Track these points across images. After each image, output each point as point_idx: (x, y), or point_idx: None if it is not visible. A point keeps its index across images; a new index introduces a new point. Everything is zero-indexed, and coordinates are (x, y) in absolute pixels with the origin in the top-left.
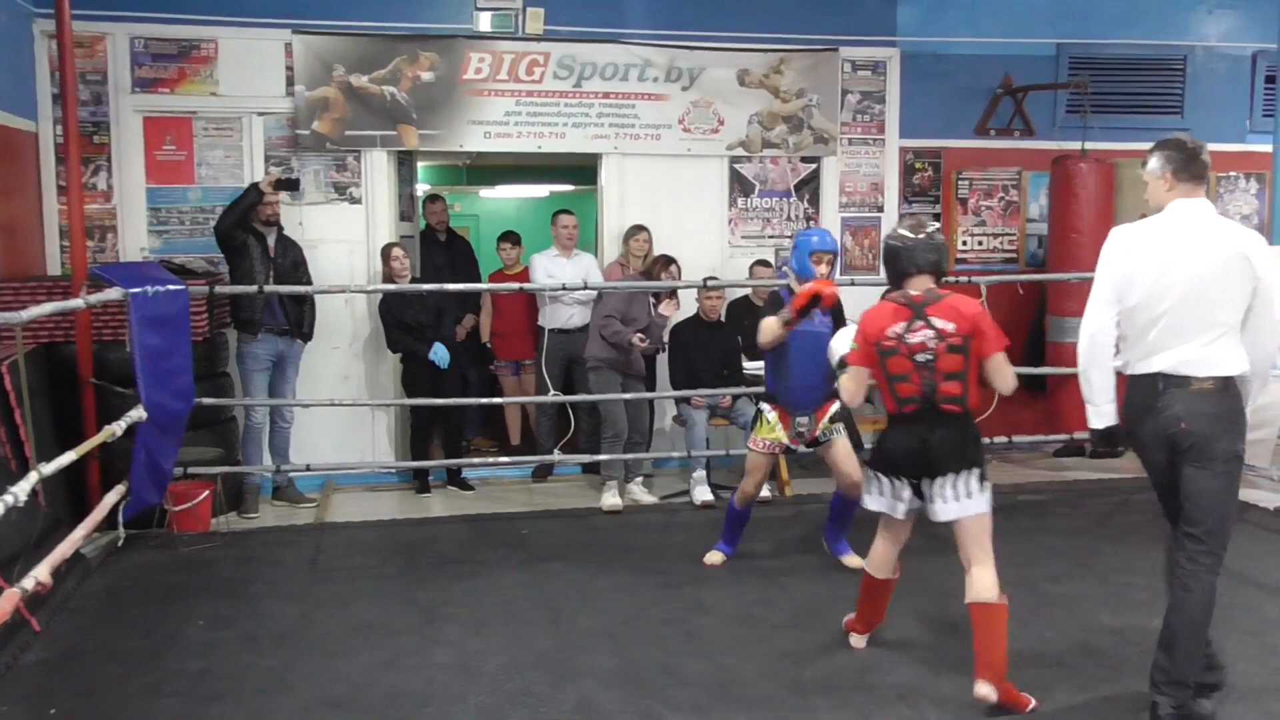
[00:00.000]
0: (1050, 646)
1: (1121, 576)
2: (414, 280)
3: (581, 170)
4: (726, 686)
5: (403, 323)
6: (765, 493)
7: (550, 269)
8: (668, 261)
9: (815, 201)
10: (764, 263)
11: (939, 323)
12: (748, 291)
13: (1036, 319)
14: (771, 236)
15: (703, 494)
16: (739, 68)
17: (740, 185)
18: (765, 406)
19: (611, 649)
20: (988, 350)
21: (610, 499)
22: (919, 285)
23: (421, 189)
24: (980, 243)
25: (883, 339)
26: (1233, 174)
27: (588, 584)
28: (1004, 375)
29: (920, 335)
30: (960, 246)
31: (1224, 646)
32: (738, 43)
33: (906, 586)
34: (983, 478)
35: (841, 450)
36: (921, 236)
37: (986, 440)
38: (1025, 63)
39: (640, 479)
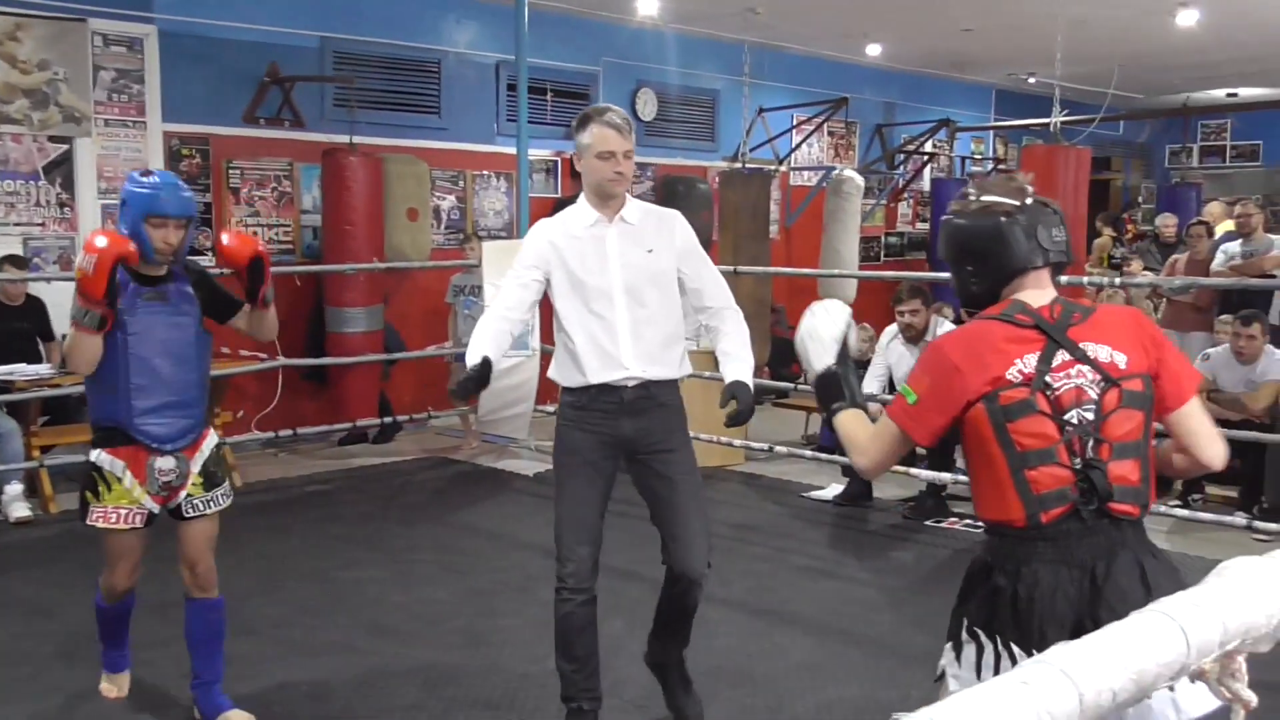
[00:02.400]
0: (341, 633)
1: (407, 554)
2: None
3: None
4: None
5: None
6: (25, 511)
7: None
8: None
9: (70, 186)
10: (14, 259)
11: (1099, 352)
12: None
13: (315, 310)
14: (18, 224)
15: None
16: None
17: None
18: (99, 455)
19: None
20: (1183, 394)
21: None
22: (1039, 290)
23: None
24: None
25: (999, 385)
26: (486, 173)
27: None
28: (1208, 435)
29: (1070, 376)
30: None
31: (498, 604)
32: None
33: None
34: None
35: (207, 531)
36: (1032, 201)
37: (270, 434)
38: (291, 53)
39: None
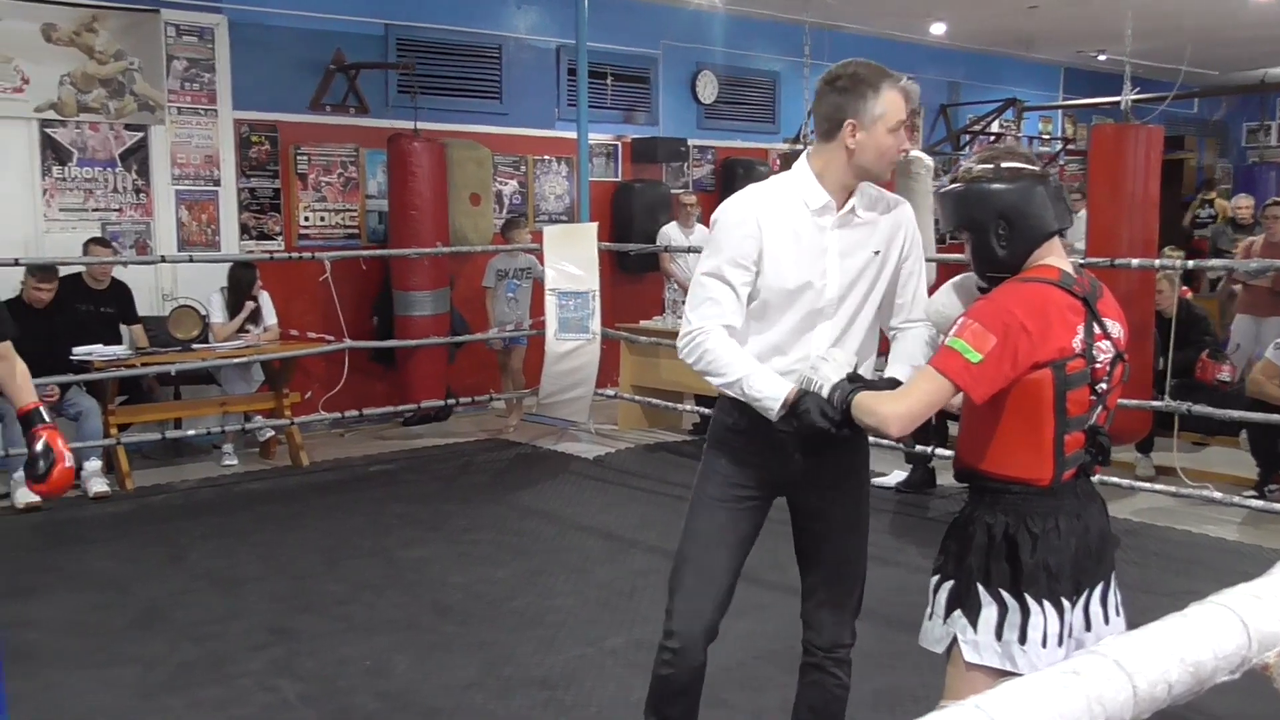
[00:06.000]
0: (402, 611)
1: (468, 534)
2: None
3: None
4: (57, 704)
5: None
6: (103, 487)
7: None
8: None
9: (145, 172)
10: (100, 241)
11: (1113, 328)
12: (80, 269)
13: (382, 294)
14: (96, 210)
15: (26, 495)
16: (44, 22)
17: (55, 152)
18: None
19: None
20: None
21: None
22: (1063, 257)
23: None
24: (322, 218)
25: (1065, 355)
26: (546, 157)
27: None
28: None
29: (1102, 350)
30: (303, 222)
31: (556, 585)
32: None
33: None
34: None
35: None
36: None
37: (336, 415)
38: (356, 40)
39: None
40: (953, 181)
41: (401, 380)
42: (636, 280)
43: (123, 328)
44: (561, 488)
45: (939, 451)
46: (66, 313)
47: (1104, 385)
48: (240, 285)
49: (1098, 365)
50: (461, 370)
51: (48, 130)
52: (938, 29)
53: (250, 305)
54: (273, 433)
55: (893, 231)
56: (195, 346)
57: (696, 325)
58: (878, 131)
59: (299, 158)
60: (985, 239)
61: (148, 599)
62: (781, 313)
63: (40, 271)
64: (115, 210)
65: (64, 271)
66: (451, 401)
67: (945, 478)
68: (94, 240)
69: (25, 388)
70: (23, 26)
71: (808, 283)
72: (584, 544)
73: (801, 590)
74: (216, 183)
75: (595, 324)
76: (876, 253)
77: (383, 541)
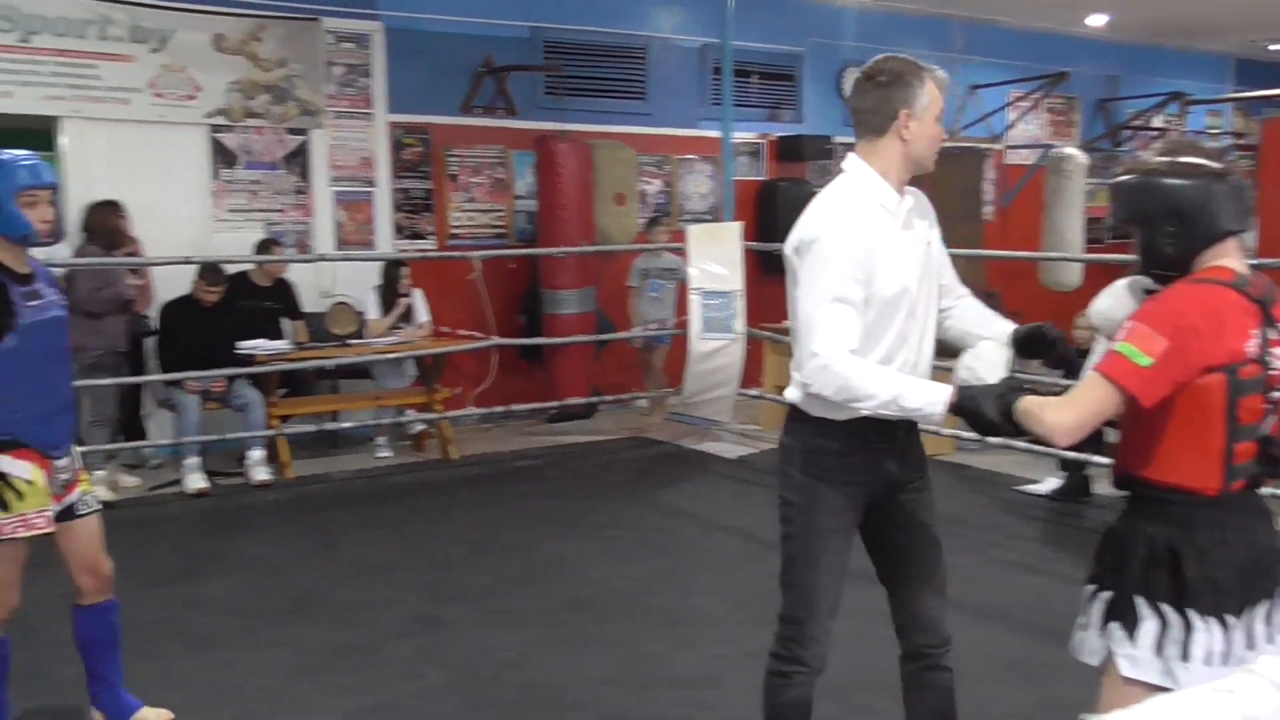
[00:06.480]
0: (543, 605)
1: (608, 531)
2: None
3: (36, 135)
4: (220, 682)
5: None
6: (265, 475)
7: None
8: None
9: (305, 174)
10: (275, 241)
11: None
12: (248, 268)
13: (529, 292)
14: (261, 210)
15: (196, 481)
16: (214, 32)
17: (223, 156)
18: (7, 461)
19: None
20: None
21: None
22: (1238, 259)
23: None
24: (472, 218)
25: (1238, 359)
26: (690, 156)
27: (61, 590)
28: None
29: (1276, 356)
30: (453, 222)
31: (695, 584)
32: (211, 5)
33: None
34: None
35: (101, 528)
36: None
37: (483, 410)
38: (504, 44)
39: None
40: (1126, 172)
41: (548, 377)
42: (781, 280)
43: (284, 323)
44: (702, 487)
45: (1094, 459)
46: (232, 309)
47: (1278, 394)
48: (392, 283)
49: (1273, 372)
50: (606, 369)
51: (216, 135)
52: (1096, 20)
53: (403, 302)
54: (424, 426)
55: (929, 220)
56: (351, 342)
57: (825, 356)
58: (928, 120)
59: (449, 159)
60: (1154, 234)
61: (304, 584)
62: (890, 321)
63: (209, 274)
64: (278, 211)
65: (230, 269)
66: (596, 399)
67: (1101, 485)
68: (269, 240)
69: None
70: (195, 37)
71: (905, 287)
72: (724, 544)
73: (894, 600)
74: (371, 184)
75: (739, 324)
76: (929, 244)
77: (526, 535)
